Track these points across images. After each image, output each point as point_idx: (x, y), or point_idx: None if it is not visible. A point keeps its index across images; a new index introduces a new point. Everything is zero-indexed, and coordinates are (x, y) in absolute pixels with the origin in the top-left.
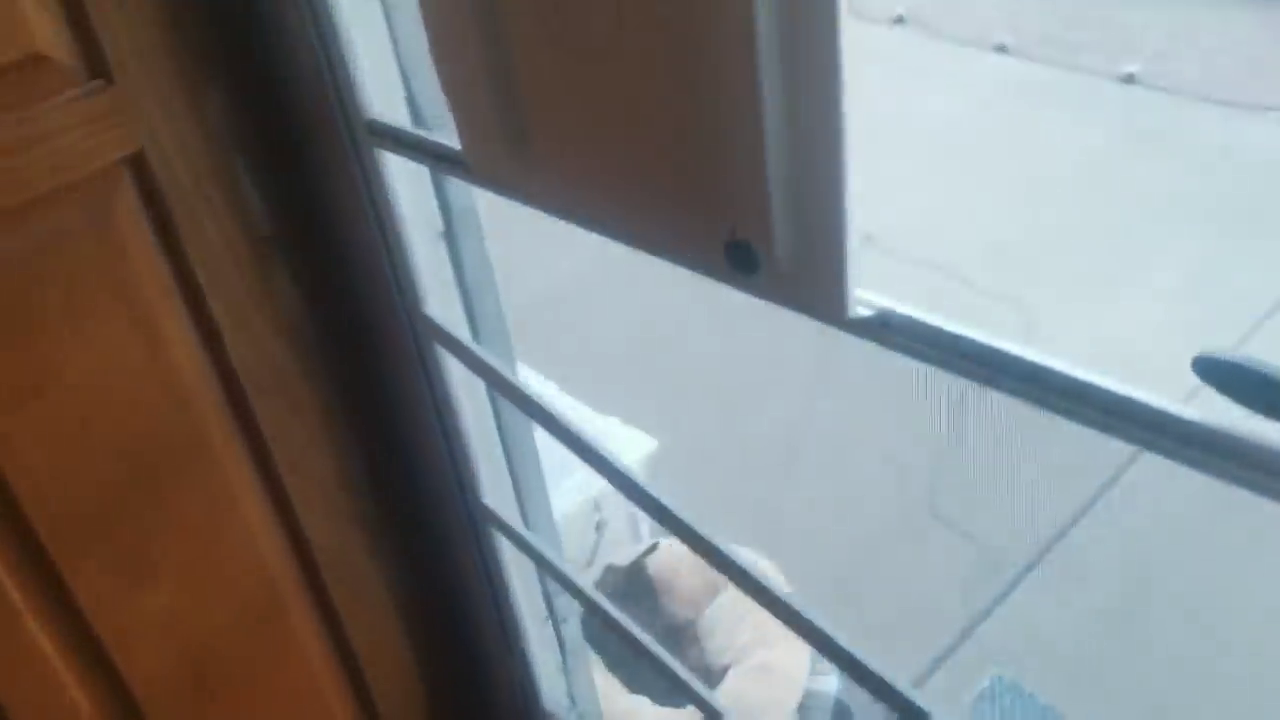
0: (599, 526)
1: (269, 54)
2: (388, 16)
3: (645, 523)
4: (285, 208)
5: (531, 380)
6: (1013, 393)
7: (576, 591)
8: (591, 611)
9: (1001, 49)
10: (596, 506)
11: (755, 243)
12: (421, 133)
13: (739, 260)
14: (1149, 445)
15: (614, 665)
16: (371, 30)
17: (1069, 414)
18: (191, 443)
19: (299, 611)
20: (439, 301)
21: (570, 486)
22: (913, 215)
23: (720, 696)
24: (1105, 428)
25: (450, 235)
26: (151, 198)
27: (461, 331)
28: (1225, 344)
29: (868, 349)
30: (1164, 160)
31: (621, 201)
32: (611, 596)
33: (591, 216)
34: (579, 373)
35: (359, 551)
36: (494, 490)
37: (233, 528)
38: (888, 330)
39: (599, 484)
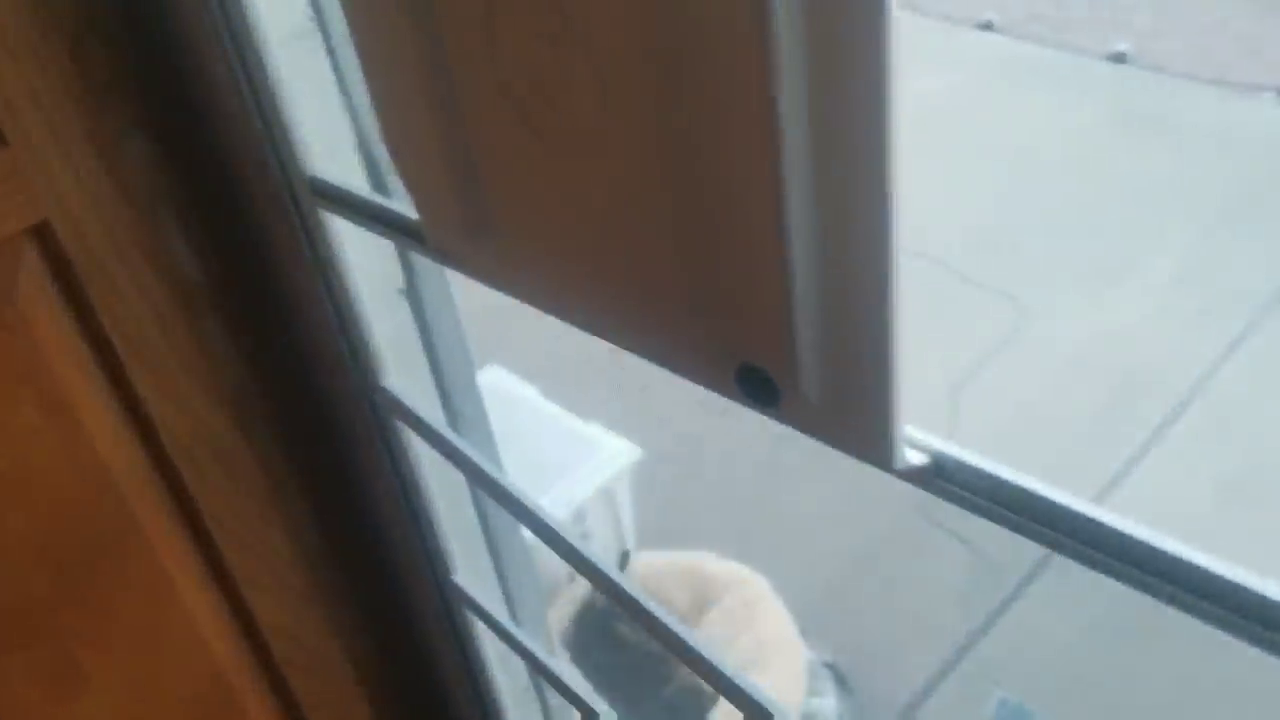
0: (584, 538)
1: (194, 102)
2: (334, 63)
3: (632, 535)
4: (221, 265)
5: (513, 387)
6: (1092, 564)
7: (561, 687)
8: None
9: (988, 26)
10: (580, 518)
11: (773, 372)
12: (375, 198)
13: (753, 390)
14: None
15: None
16: (317, 78)
17: (1175, 602)
18: (121, 533)
19: (255, 703)
20: (401, 370)
21: (553, 500)
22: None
23: None
24: (1215, 620)
25: (413, 293)
26: (60, 268)
27: (428, 405)
28: (1224, 338)
29: None
30: (1156, 142)
31: (608, 306)
32: (597, 617)
33: (574, 317)
34: (562, 373)
35: (317, 631)
36: (469, 567)
37: (174, 621)
38: (943, 480)
39: (582, 494)
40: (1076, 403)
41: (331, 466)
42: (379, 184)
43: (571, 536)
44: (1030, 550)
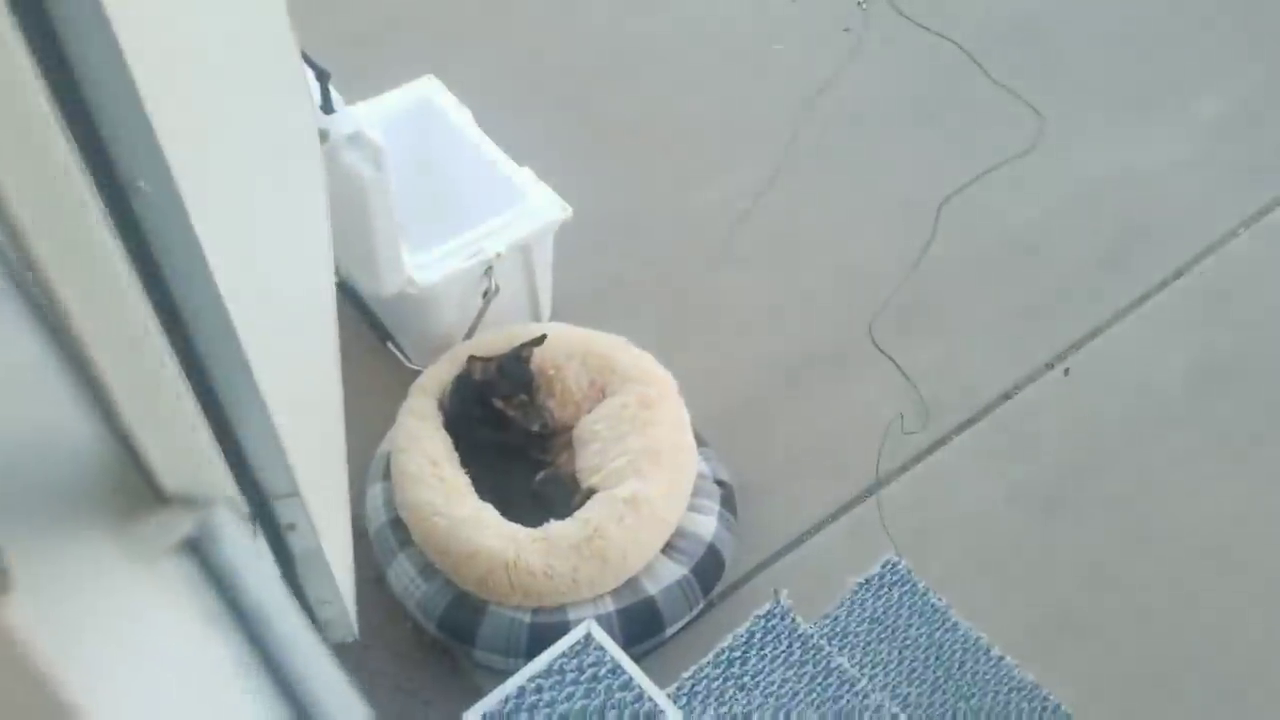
0: (486, 294)
1: None
2: None
3: (548, 307)
4: None
5: (447, 106)
6: None
7: None
8: None
9: None
10: (488, 273)
11: None
12: None
13: None
14: None
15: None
16: None
17: None
18: None
19: None
20: None
21: (462, 244)
22: None
23: (576, 523)
24: None
25: None
26: None
27: None
28: (1251, 205)
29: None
30: None
31: None
32: (470, 387)
33: None
34: (503, 103)
35: None
36: None
37: None
38: None
39: (494, 245)
40: (1070, 242)
41: None
42: None
43: None
44: (973, 399)
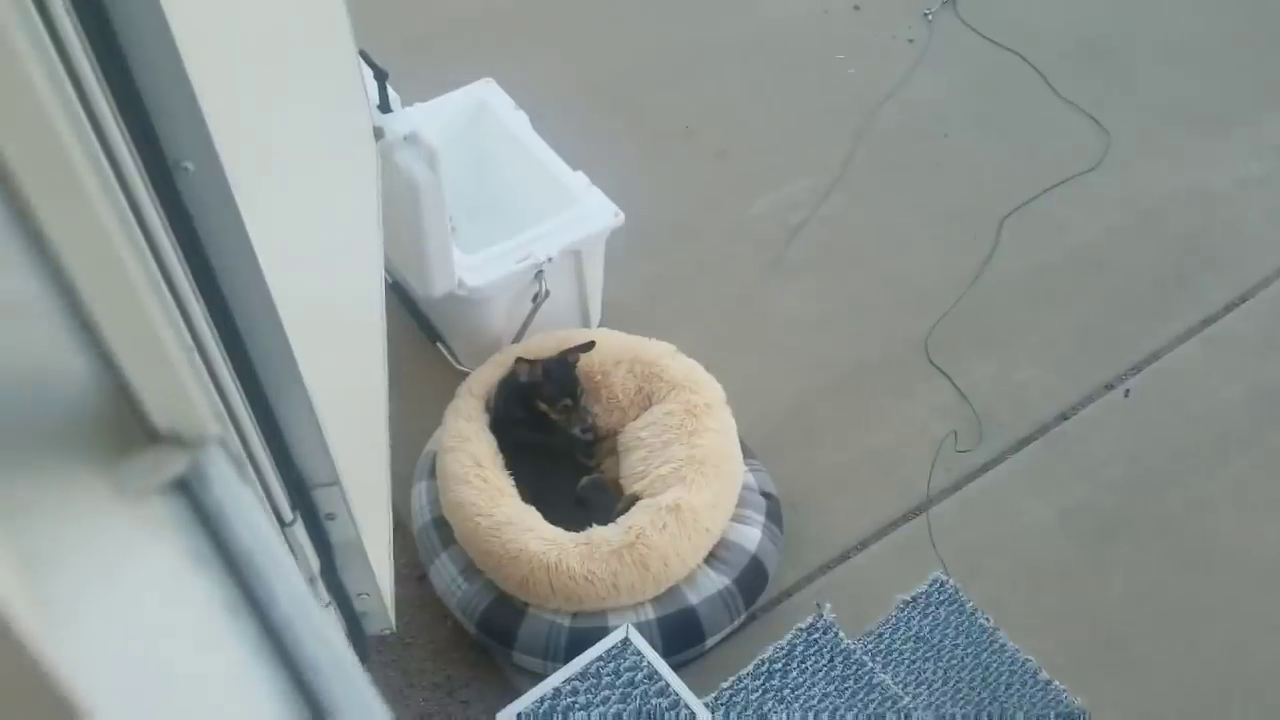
0: (536, 298)
1: None
2: None
3: (598, 313)
4: None
5: (503, 110)
6: None
7: None
8: None
9: None
10: (539, 277)
11: None
12: None
13: None
14: None
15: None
16: None
17: None
18: None
19: None
20: None
21: (514, 247)
22: None
23: (618, 529)
24: None
25: None
26: None
27: None
28: None
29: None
30: None
31: None
32: (516, 389)
33: None
34: (561, 106)
35: None
36: None
37: None
38: None
39: (545, 250)
40: (1134, 261)
41: None
42: None
43: None
44: (1029, 418)
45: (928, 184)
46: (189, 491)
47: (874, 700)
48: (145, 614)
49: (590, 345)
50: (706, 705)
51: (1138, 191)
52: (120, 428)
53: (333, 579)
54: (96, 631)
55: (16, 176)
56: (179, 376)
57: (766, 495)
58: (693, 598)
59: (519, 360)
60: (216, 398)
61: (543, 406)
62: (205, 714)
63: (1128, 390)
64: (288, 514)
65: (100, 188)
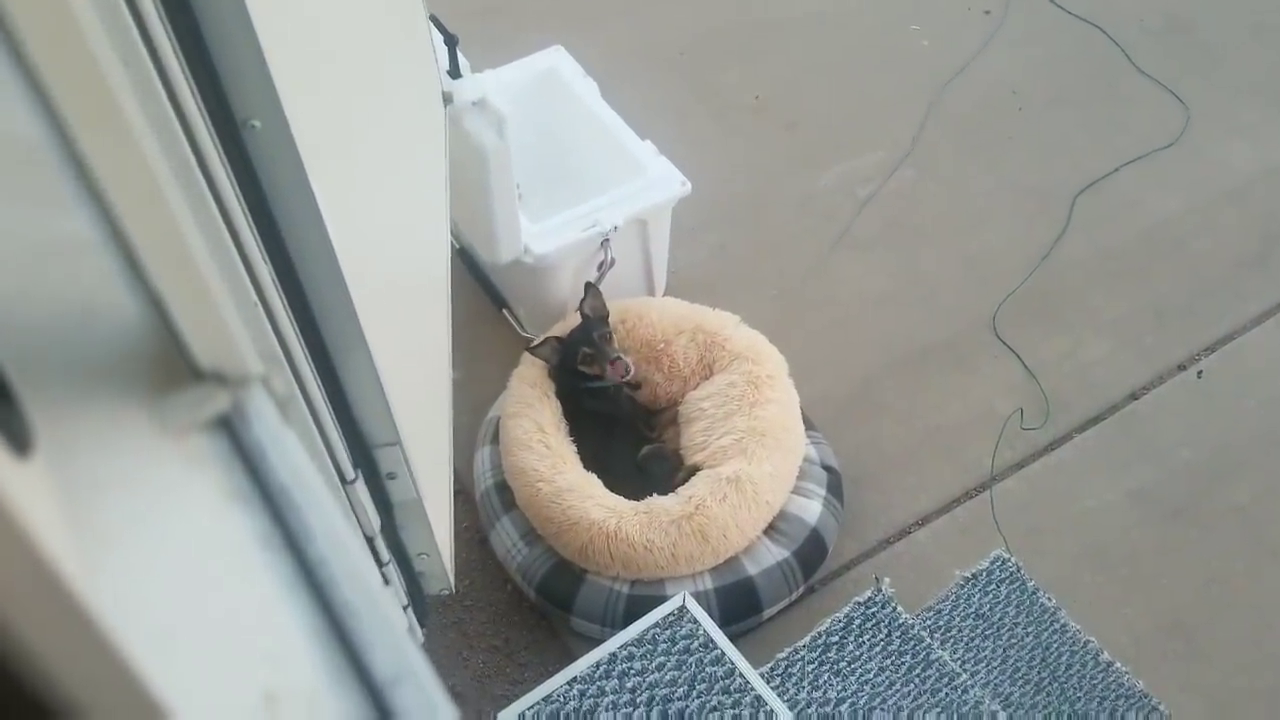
0: (601, 266)
1: None
2: None
3: (662, 282)
4: None
5: (573, 78)
6: None
7: None
8: None
9: None
10: (605, 245)
11: None
12: None
13: None
14: None
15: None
16: None
17: None
18: None
19: None
20: None
21: (580, 214)
22: None
23: (678, 498)
24: None
25: None
26: None
27: None
28: None
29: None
30: None
31: None
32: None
33: None
34: (630, 74)
35: None
36: None
37: None
38: None
39: (611, 218)
40: (1211, 240)
41: None
42: None
43: None
44: (1098, 397)
45: (1000, 158)
46: (231, 429)
47: (930, 676)
48: (182, 545)
49: (605, 318)
50: (762, 675)
51: (1216, 169)
52: (166, 365)
53: (393, 537)
54: (134, 561)
55: (70, 122)
56: (223, 317)
57: (828, 469)
58: (751, 569)
59: (546, 339)
60: (269, 339)
61: (581, 368)
62: (236, 647)
63: (1201, 371)
64: (349, 471)
65: (149, 136)
